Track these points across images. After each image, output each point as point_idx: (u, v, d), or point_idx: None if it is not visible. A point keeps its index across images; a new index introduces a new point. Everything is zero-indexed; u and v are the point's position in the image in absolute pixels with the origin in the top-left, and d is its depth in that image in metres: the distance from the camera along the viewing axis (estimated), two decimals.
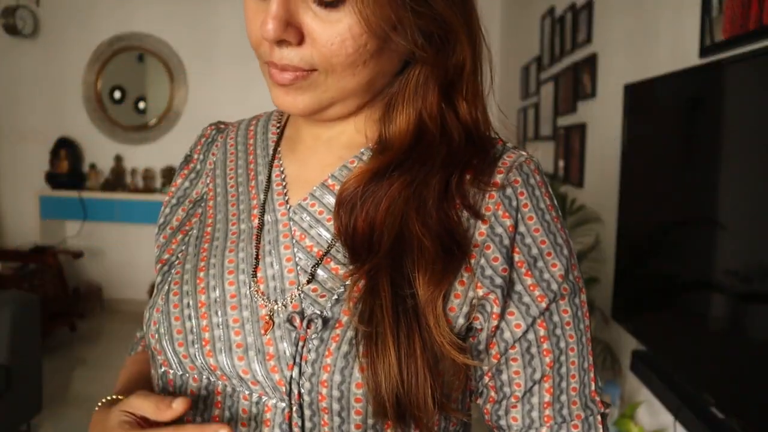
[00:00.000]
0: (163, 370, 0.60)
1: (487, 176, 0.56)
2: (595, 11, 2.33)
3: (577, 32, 2.51)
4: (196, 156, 0.71)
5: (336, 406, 0.52)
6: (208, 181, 0.68)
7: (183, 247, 0.64)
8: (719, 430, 1.27)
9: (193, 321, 0.58)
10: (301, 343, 0.53)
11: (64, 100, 4.45)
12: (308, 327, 0.53)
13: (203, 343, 0.56)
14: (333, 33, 0.50)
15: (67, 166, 4.37)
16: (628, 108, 1.70)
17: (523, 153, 0.59)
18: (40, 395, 2.58)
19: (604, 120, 2.21)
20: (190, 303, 0.59)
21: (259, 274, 0.58)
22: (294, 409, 0.53)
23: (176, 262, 0.63)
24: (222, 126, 0.73)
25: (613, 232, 1.89)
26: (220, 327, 0.57)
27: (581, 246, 2.20)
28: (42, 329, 2.76)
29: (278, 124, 0.69)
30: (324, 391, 0.52)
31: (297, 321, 0.54)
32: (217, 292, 0.58)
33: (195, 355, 0.57)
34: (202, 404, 0.58)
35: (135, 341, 0.80)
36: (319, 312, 0.54)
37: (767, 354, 1.08)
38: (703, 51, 1.43)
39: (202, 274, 0.60)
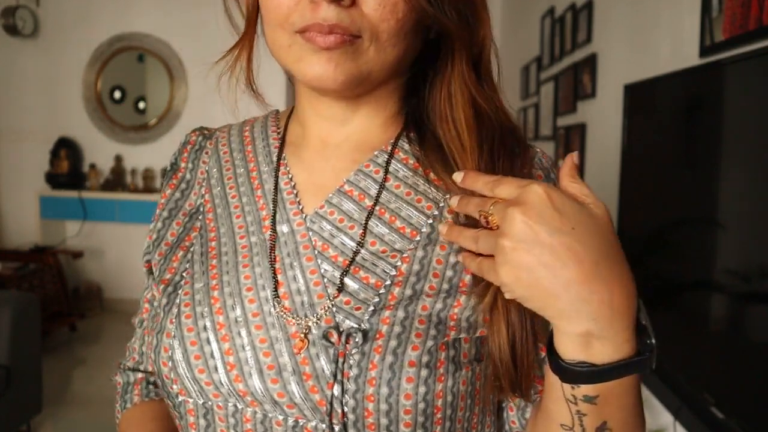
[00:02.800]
0: (180, 399, 0.55)
1: (517, 170, 0.54)
2: (595, 11, 2.33)
3: (577, 32, 2.51)
4: (183, 165, 0.66)
5: (384, 421, 0.50)
6: (202, 192, 0.63)
7: (187, 265, 0.59)
8: (719, 430, 1.27)
9: (213, 344, 0.53)
10: (340, 360, 0.50)
11: (64, 100, 4.45)
12: (347, 342, 0.50)
13: (228, 367, 0.52)
14: None
15: (67, 166, 4.37)
16: (628, 108, 1.70)
17: (538, 149, 0.59)
18: (40, 395, 2.58)
19: (604, 120, 2.21)
20: (207, 325, 0.54)
21: (281, 289, 0.54)
22: (337, 429, 0.50)
23: (182, 282, 0.58)
24: (207, 132, 0.68)
25: None
26: (246, 349, 0.52)
27: None
28: (42, 329, 2.76)
29: (278, 130, 0.64)
30: (371, 406, 0.49)
31: (334, 336, 0.50)
32: (238, 311, 0.54)
33: (220, 381, 0.52)
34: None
35: (120, 390, 0.71)
36: (356, 325, 0.51)
37: (767, 354, 1.08)
38: (703, 51, 1.43)
39: (216, 293, 0.56)
